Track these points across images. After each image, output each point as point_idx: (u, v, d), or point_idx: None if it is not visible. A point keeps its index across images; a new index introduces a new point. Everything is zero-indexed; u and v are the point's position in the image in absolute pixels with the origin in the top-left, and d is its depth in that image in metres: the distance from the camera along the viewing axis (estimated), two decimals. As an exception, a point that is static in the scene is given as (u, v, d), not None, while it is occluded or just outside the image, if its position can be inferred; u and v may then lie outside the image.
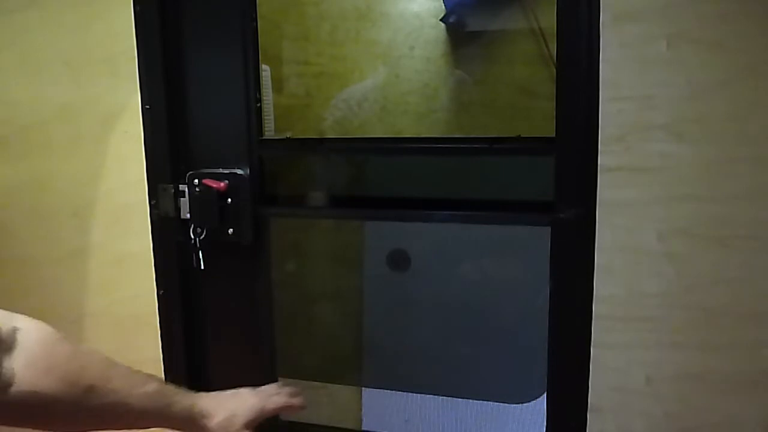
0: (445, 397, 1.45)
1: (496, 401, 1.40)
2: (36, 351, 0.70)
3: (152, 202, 1.21)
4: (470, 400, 1.42)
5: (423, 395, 1.46)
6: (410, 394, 1.46)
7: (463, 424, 1.39)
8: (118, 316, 1.30)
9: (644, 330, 1.00)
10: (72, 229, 1.28)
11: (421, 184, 1.25)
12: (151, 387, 0.84)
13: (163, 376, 1.28)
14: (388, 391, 1.51)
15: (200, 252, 1.20)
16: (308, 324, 1.53)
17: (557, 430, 1.09)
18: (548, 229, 1.05)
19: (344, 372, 1.56)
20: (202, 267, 1.20)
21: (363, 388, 1.53)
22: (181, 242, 1.22)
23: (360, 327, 1.54)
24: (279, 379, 1.28)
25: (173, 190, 1.21)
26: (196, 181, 1.18)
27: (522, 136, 1.08)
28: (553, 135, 1.02)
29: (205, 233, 1.19)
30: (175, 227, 1.22)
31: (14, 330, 0.69)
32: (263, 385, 1.01)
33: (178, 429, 0.88)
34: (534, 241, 1.12)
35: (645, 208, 0.97)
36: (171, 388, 0.88)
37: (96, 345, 1.31)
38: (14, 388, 0.67)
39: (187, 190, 1.20)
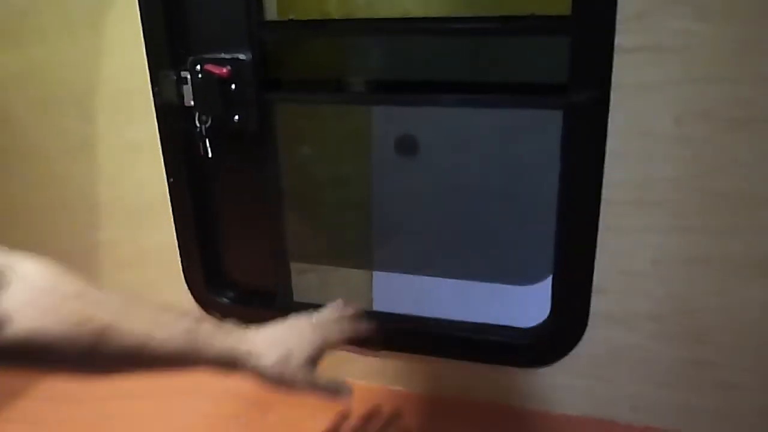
0: (453, 280, 1.49)
1: (504, 283, 1.43)
2: (37, 288, 0.64)
3: (155, 90, 1.19)
4: (478, 282, 1.45)
5: (432, 278, 1.49)
6: (419, 276, 1.50)
7: (471, 304, 1.43)
8: (130, 205, 1.31)
9: (655, 214, 0.99)
10: (76, 119, 1.26)
11: (430, 66, 1.21)
12: (181, 327, 0.75)
13: (179, 258, 1.31)
14: (398, 274, 1.54)
15: (207, 140, 1.19)
16: (317, 209, 1.55)
17: (561, 310, 1.12)
18: (560, 113, 1.02)
19: (355, 256, 1.60)
20: (210, 155, 1.19)
21: (374, 272, 1.57)
22: (187, 130, 1.20)
23: (369, 212, 1.55)
24: (291, 262, 1.31)
25: (175, 77, 1.17)
26: (198, 66, 1.15)
27: (535, 14, 1.02)
28: (569, 13, 0.97)
29: (210, 121, 1.17)
30: (180, 115, 1.20)
31: (10, 267, 0.64)
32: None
33: (222, 373, 0.79)
34: (545, 125, 1.09)
35: (663, 90, 0.93)
36: (208, 327, 0.78)
37: (110, 234, 1.34)
38: (11, 328, 0.61)
39: (189, 76, 1.16)
